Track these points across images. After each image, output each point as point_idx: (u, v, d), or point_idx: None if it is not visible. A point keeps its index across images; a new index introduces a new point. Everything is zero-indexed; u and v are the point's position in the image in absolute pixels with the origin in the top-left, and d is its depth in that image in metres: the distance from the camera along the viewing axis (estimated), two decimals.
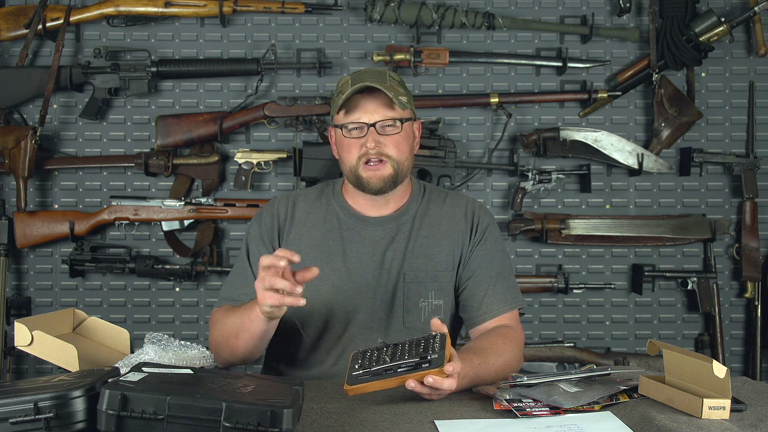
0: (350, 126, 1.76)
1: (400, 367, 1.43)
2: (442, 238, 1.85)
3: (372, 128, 1.74)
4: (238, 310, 1.73)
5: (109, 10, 2.81)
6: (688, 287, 2.95)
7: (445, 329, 1.50)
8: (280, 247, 1.85)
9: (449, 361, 1.44)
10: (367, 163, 1.76)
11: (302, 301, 1.49)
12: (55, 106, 2.91)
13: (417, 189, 1.91)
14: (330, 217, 1.87)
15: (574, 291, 2.96)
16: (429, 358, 1.43)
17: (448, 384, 1.43)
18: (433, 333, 1.51)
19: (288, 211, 1.88)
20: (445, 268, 1.84)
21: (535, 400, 1.45)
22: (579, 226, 2.93)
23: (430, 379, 1.40)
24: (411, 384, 1.41)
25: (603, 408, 1.44)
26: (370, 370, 1.44)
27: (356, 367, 1.46)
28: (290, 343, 1.87)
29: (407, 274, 1.82)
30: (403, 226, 1.85)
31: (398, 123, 1.76)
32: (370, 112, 1.74)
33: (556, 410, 1.42)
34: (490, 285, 1.82)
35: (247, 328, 1.65)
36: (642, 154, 2.91)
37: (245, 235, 1.91)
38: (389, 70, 1.82)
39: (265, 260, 1.50)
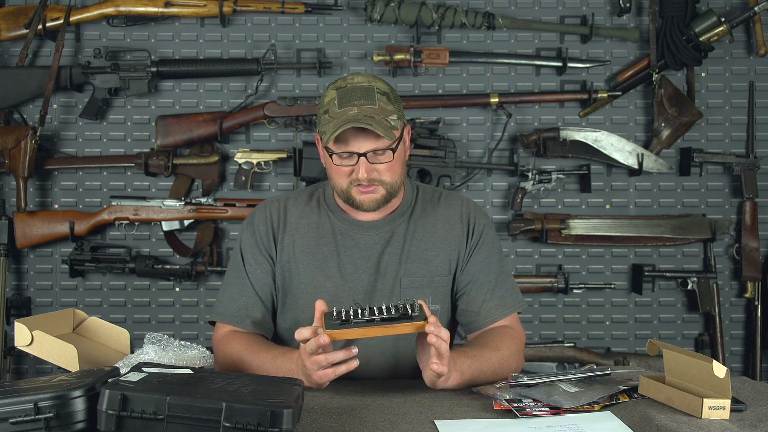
0: (341, 153, 1.68)
1: (382, 320, 1.41)
2: (438, 242, 1.81)
3: (363, 158, 1.67)
4: (263, 354, 1.64)
5: (109, 10, 2.81)
6: (688, 287, 2.95)
7: (420, 301, 1.49)
8: (276, 253, 1.80)
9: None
10: (359, 185, 1.70)
11: (355, 363, 1.47)
12: (55, 106, 2.91)
13: (410, 190, 1.86)
14: (322, 223, 1.82)
15: (574, 291, 2.96)
16: (410, 315, 1.42)
17: (445, 333, 1.43)
18: (410, 301, 1.48)
19: (281, 217, 1.83)
20: (441, 272, 1.80)
21: (535, 400, 1.45)
22: (579, 226, 2.93)
23: (430, 327, 1.40)
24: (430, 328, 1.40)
25: (603, 408, 1.44)
26: (350, 319, 1.41)
27: (333, 315, 1.43)
28: None
29: (403, 280, 1.78)
30: (397, 230, 1.81)
31: (389, 152, 1.68)
32: (360, 142, 1.66)
33: (556, 410, 1.42)
34: (489, 289, 1.80)
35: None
36: (642, 154, 2.91)
37: (238, 243, 1.84)
38: (376, 79, 1.74)
39: (304, 334, 1.45)
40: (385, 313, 1.42)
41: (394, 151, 1.68)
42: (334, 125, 1.64)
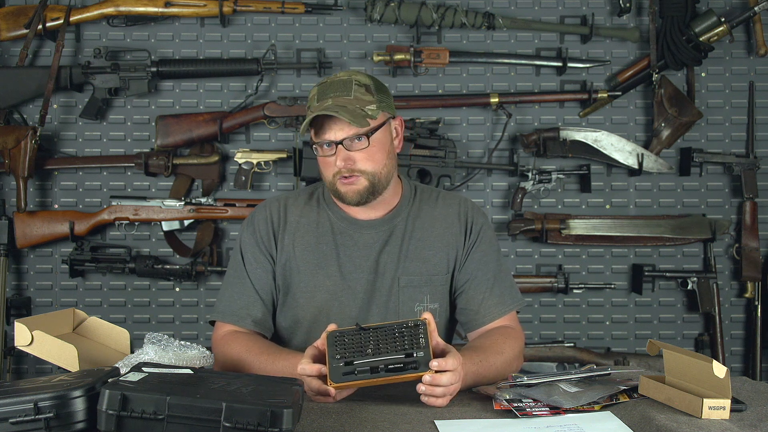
0: (321, 144, 1.72)
1: (387, 368, 1.42)
2: (436, 241, 1.82)
3: (340, 146, 1.69)
4: (264, 356, 1.65)
5: (109, 10, 2.81)
6: (688, 287, 2.95)
7: (426, 315, 1.49)
8: (276, 252, 1.81)
9: (436, 351, 1.44)
10: (342, 177, 1.72)
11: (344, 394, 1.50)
12: (55, 106, 2.91)
13: (408, 190, 1.87)
14: (322, 222, 1.83)
15: (574, 291, 2.96)
16: (415, 356, 1.42)
17: (446, 379, 1.42)
18: (412, 322, 1.48)
19: (281, 216, 1.84)
20: (439, 271, 1.81)
21: (535, 400, 1.45)
22: (579, 226, 2.93)
23: (427, 377, 1.40)
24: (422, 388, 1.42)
25: (603, 408, 1.44)
26: (353, 365, 1.42)
27: (337, 357, 1.44)
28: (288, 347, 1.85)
29: (401, 279, 1.79)
30: (396, 229, 1.81)
31: (364, 138, 1.70)
32: (335, 130, 1.69)
33: (556, 410, 1.42)
34: (488, 288, 1.80)
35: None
36: (642, 154, 2.91)
37: (238, 243, 1.85)
38: (358, 73, 1.77)
39: (308, 371, 1.48)
40: (389, 351, 1.43)
41: (368, 136, 1.70)
42: (308, 120, 1.70)
